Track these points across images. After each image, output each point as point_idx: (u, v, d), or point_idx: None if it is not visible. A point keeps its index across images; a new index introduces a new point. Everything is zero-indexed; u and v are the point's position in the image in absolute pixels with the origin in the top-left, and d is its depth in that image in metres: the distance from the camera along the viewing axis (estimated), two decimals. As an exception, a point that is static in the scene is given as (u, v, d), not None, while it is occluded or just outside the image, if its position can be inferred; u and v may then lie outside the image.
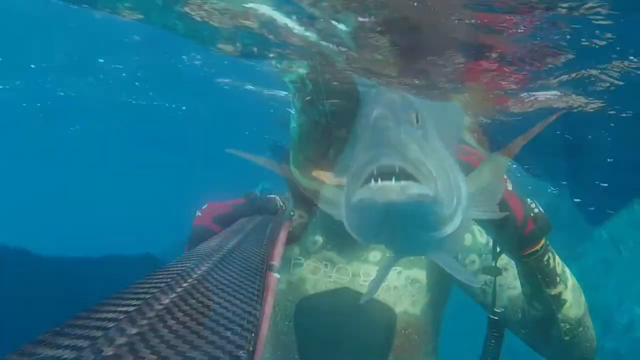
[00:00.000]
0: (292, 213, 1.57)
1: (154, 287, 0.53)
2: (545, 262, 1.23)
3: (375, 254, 1.53)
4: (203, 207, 1.42)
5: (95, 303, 0.50)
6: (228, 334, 0.44)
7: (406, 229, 0.79)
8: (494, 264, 1.33)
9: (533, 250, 1.21)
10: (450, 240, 0.97)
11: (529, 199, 1.21)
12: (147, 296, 0.49)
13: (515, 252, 1.24)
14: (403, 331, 1.47)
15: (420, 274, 1.51)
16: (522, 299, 1.38)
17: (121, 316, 0.43)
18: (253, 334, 0.46)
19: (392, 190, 0.70)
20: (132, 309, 0.45)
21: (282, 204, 1.45)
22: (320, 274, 1.52)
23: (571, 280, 1.31)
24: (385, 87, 0.86)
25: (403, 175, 0.71)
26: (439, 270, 1.52)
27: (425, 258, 1.52)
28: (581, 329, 1.31)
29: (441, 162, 0.83)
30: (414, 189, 0.71)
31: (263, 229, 1.16)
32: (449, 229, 0.83)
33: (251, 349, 0.43)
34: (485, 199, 0.97)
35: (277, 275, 0.92)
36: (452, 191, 0.83)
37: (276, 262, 1.00)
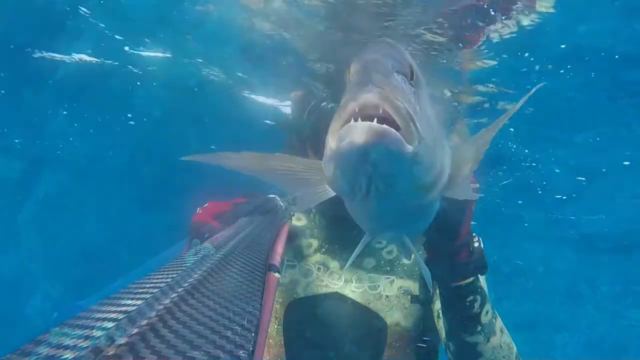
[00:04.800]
0: (292, 213, 1.57)
1: (154, 287, 0.53)
2: (468, 304, 1.16)
3: (370, 261, 1.50)
4: (205, 205, 1.42)
5: (95, 303, 0.50)
6: (228, 333, 0.45)
7: (381, 182, 0.72)
8: (431, 292, 1.35)
9: (457, 284, 1.15)
10: (424, 217, 0.92)
11: (476, 235, 1.16)
12: (147, 296, 0.49)
13: (441, 279, 1.19)
14: (394, 343, 1.42)
15: (415, 287, 1.47)
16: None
17: (121, 316, 0.43)
18: (253, 334, 0.46)
19: (372, 130, 0.64)
20: (132, 309, 0.45)
21: (282, 203, 1.45)
22: (312, 277, 1.49)
23: (499, 337, 1.22)
24: (385, 38, 0.81)
25: (386, 122, 0.66)
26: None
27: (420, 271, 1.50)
28: None
29: (430, 125, 0.75)
30: (394, 136, 0.65)
31: (263, 229, 1.16)
32: (428, 197, 0.76)
33: (251, 348, 0.43)
34: (462, 178, 0.88)
35: (277, 275, 0.92)
36: (437, 159, 0.75)
37: (276, 262, 1.00)
